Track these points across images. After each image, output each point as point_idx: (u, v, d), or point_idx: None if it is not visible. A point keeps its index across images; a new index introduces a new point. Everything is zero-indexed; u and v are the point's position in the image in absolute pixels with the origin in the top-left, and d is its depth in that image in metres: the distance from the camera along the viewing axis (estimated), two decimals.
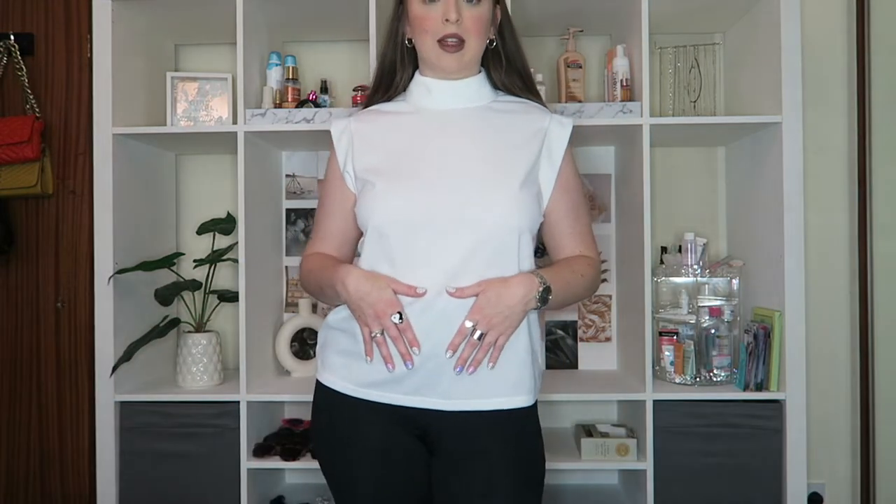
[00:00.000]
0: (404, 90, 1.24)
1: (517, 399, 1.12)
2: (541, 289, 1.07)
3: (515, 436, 1.12)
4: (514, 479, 1.10)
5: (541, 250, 1.61)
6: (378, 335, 1.06)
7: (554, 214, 1.20)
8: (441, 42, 1.13)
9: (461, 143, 1.16)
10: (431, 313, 1.07)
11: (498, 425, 1.11)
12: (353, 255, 1.28)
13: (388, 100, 1.25)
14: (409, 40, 1.20)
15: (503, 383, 1.10)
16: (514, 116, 1.21)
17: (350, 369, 1.14)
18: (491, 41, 1.21)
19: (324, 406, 1.19)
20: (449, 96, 1.19)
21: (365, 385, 1.13)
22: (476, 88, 1.21)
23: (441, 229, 1.08)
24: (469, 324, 1.05)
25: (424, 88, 1.20)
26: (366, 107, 1.27)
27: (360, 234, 1.21)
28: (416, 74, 1.22)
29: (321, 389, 1.20)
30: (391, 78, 1.23)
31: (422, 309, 1.07)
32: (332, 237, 1.23)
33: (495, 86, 1.25)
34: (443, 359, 1.07)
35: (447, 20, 1.11)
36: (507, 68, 1.24)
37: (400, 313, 1.04)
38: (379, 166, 1.16)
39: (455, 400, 1.10)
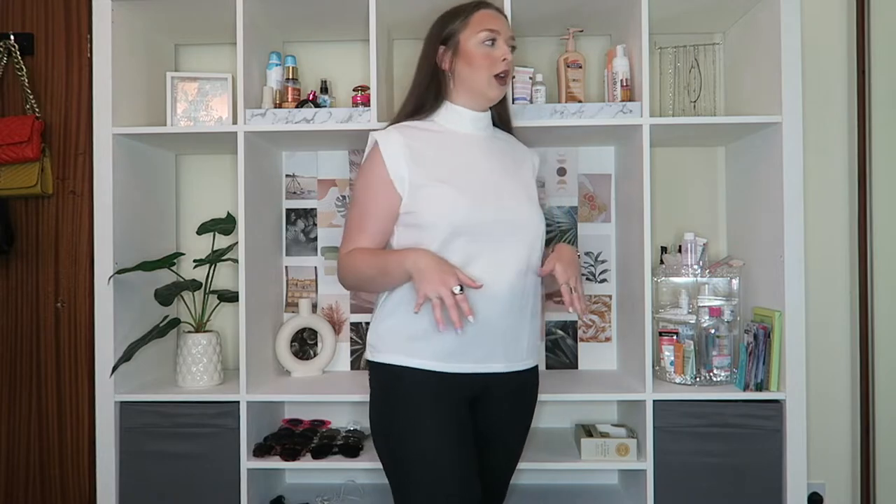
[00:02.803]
0: (433, 113, 1.44)
1: (535, 358, 1.46)
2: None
3: (535, 385, 1.49)
4: (529, 416, 1.49)
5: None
6: (435, 299, 1.23)
7: None
8: (496, 76, 1.38)
9: (492, 163, 1.41)
10: (498, 301, 1.33)
11: (529, 379, 1.46)
12: None
13: (418, 119, 1.44)
14: (447, 72, 1.41)
15: (532, 348, 1.43)
16: (510, 146, 1.50)
17: (422, 348, 1.33)
18: None
19: (393, 384, 1.35)
20: (474, 124, 1.44)
21: (442, 358, 1.33)
22: (489, 120, 1.47)
23: (501, 232, 1.34)
24: (569, 286, 1.34)
25: (458, 115, 1.42)
26: (395, 122, 1.45)
27: (389, 237, 1.41)
28: (448, 102, 1.43)
29: (387, 370, 1.36)
30: (424, 103, 1.43)
31: (491, 296, 1.33)
32: (375, 236, 1.38)
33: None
34: (499, 333, 1.35)
35: (504, 59, 1.38)
36: (503, 106, 1.52)
37: (461, 287, 1.22)
38: (437, 174, 1.34)
39: (510, 363, 1.38)
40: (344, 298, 2.16)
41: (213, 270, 1.97)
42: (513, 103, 1.79)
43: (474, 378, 1.36)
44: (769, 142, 1.79)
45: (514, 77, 1.79)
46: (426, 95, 1.43)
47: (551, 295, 2.14)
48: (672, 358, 1.84)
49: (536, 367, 1.48)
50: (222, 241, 2.11)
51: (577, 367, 2.13)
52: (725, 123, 1.78)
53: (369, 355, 1.41)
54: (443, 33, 1.42)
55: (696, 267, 1.87)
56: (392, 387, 1.35)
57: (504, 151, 1.46)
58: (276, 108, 1.87)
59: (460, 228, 1.31)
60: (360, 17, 1.92)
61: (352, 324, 2.16)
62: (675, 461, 1.74)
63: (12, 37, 2.04)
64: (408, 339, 1.35)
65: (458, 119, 1.42)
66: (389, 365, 1.36)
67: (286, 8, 1.88)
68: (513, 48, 1.43)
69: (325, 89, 1.98)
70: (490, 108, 1.47)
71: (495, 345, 1.36)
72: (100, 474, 1.79)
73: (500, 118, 1.52)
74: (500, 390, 1.40)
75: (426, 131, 1.41)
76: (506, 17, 1.45)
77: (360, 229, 1.38)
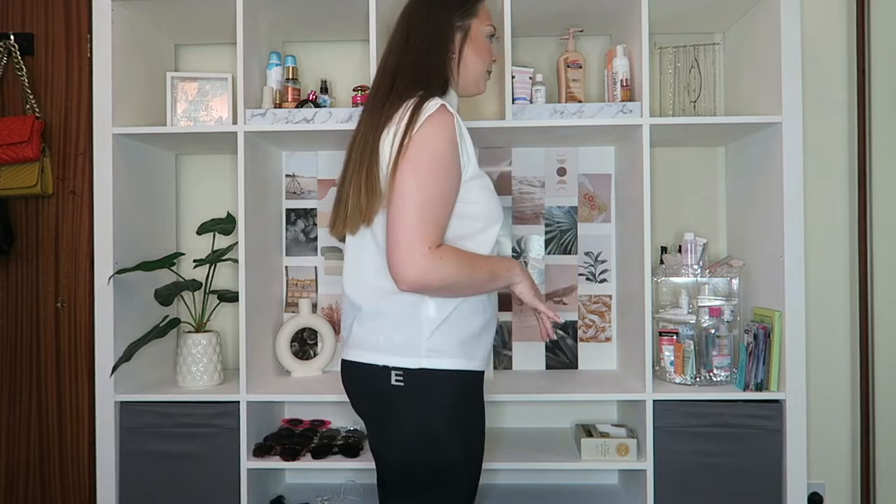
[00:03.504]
0: (444, 94, 1.29)
1: None
2: None
3: None
4: None
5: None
6: (540, 313, 1.34)
7: None
8: (488, 71, 1.39)
9: None
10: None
11: None
12: None
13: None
14: (454, 55, 1.33)
15: None
16: None
17: (477, 349, 1.29)
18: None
19: (471, 388, 1.28)
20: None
21: (485, 359, 1.32)
22: None
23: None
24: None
25: (455, 101, 1.37)
26: (430, 94, 1.24)
27: None
28: (453, 91, 1.35)
29: (449, 376, 1.23)
30: (443, 78, 1.30)
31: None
32: (445, 227, 1.21)
33: None
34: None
35: (495, 60, 1.41)
36: None
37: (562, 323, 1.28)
38: (477, 163, 1.27)
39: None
40: (343, 298, 2.15)
41: (213, 270, 1.97)
42: (513, 103, 1.79)
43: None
44: (769, 142, 1.79)
45: (513, 77, 1.79)
46: (444, 72, 1.30)
47: (551, 295, 2.14)
48: (672, 358, 1.84)
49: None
50: (222, 241, 2.11)
51: (577, 367, 2.13)
52: (725, 123, 1.78)
53: (427, 362, 1.22)
54: (454, 13, 1.31)
55: (696, 267, 1.87)
56: (466, 395, 1.25)
57: None
58: (276, 108, 1.87)
59: (497, 224, 1.28)
60: (360, 17, 1.92)
61: None
62: (675, 461, 1.74)
63: (12, 37, 2.04)
64: (468, 339, 1.25)
65: (455, 105, 1.36)
66: (461, 370, 1.24)
67: (286, 8, 1.88)
68: None
69: (325, 89, 1.98)
70: None
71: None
72: (100, 474, 1.79)
73: None
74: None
75: None
76: None
77: (442, 216, 1.18)
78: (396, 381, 1.22)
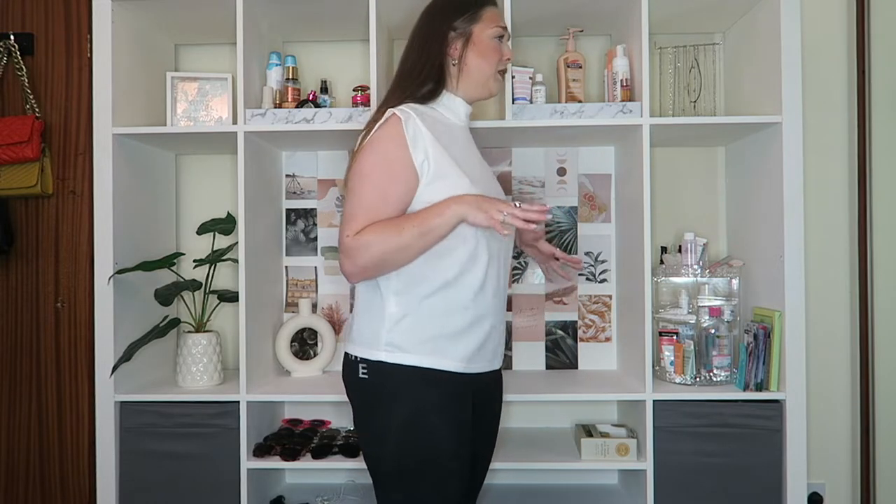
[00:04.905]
0: (432, 100, 1.39)
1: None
2: None
3: (502, 379, 1.53)
4: (499, 413, 1.53)
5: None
6: (506, 217, 1.20)
7: None
8: (500, 72, 1.43)
9: (478, 156, 1.44)
10: (503, 293, 1.39)
11: (499, 374, 1.49)
12: None
13: (419, 104, 1.36)
14: (455, 60, 1.39)
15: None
16: None
17: (451, 349, 1.29)
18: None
19: (441, 388, 1.28)
20: (465, 117, 1.44)
21: (467, 359, 1.31)
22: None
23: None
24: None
25: (455, 105, 1.41)
26: (393, 103, 1.34)
27: None
28: (448, 92, 1.40)
29: (428, 374, 1.27)
30: (428, 86, 1.37)
31: (494, 292, 1.34)
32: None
33: None
34: (502, 329, 1.40)
35: (508, 58, 1.43)
36: None
37: (519, 203, 1.22)
38: (453, 165, 1.29)
39: (498, 359, 1.42)
40: (344, 298, 2.16)
41: (213, 270, 1.97)
42: (513, 103, 1.79)
43: (479, 378, 1.36)
44: (769, 142, 1.79)
45: (513, 77, 1.80)
46: (430, 80, 1.37)
47: (551, 295, 2.14)
48: (672, 358, 1.84)
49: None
50: (222, 241, 2.11)
51: (577, 367, 2.13)
52: (725, 123, 1.78)
53: (386, 356, 1.27)
54: (452, 21, 1.38)
55: (696, 267, 1.87)
56: (425, 393, 1.27)
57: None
58: (276, 108, 1.87)
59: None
60: (360, 17, 1.92)
61: None
62: (675, 461, 1.74)
63: (12, 37, 2.04)
64: (438, 338, 1.27)
65: (456, 109, 1.41)
66: (422, 368, 1.27)
67: (286, 8, 1.88)
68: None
69: (325, 89, 1.98)
70: None
71: (498, 343, 1.39)
72: (100, 474, 1.79)
73: None
74: (489, 389, 1.43)
75: (433, 118, 1.35)
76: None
77: (379, 211, 1.24)
78: (363, 373, 1.30)
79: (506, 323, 1.45)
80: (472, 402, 1.35)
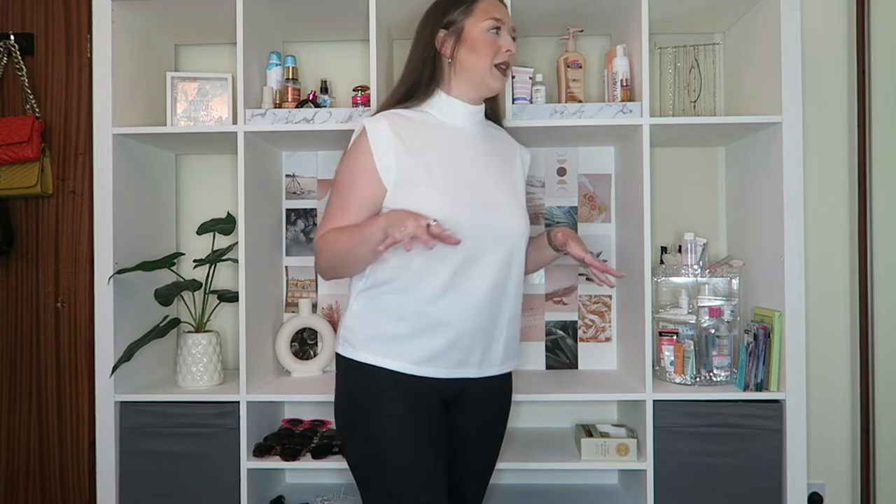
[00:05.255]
0: (424, 102, 1.39)
1: (512, 363, 1.44)
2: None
3: (508, 391, 1.48)
4: (503, 419, 1.49)
5: None
6: (405, 235, 1.16)
7: None
8: (498, 66, 1.35)
9: (480, 160, 1.37)
10: (475, 307, 1.31)
11: (502, 384, 1.45)
12: None
13: (408, 108, 1.38)
14: (449, 59, 1.37)
15: (509, 353, 1.41)
16: (502, 142, 1.47)
17: (397, 351, 1.31)
18: None
19: (366, 384, 1.32)
20: (468, 118, 1.40)
21: (416, 362, 1.30)
22: (482, 114, 1.44)
23: (481, 236, 1.30)
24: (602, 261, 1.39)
25: (450, 107, 1.38)
26: (384, 108, 1.39)
27: None
28: (441, 92, 1.38)
29: (361, 369, 1.32)
30: (417, 89, 1.38)
31: (465, 300, 1.30)
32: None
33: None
34: (476, 338, 1.33)
35: (508, 50, 1.36)
36: (496, 100, 1.49)
37: (435, 220, 1.16)
38: (419, 171, 1.29)
39: (484, 369, 1.37)
40: (344, 299, 2.16)
41: (213, 270, 1.97)
42: (513, 103, 1.78)
43: (447, 382, 1.34)
44: (769, 142, 1.79)
45: (513, 77, 1.79)
46: (420, 81, 1.38)
47: (551, 295, 2.14)
48: (672, 358, 1.84)
49: (510, 373, 1.46)
50: (222, 241, 2.11)
51: (577, 367, 2.13)
52: (725, 123, 1.78)
53: (341, 349, 1.36)
54: (444, 19, 1.37)
55: (696, 267, 1.87)
56: (365, 386, 1.32)
57: (494, 148, 1.42)
58: (276, 108, 1.87)
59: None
60: (360, 17, 1.92)
61: None
62: (675, 461, 1.74)
63: (12, 37, 2.04)
64: (386, 339, 1.31)
65: (451, 111, 1.38)
66: (364, 364, 1.32)
67: (286, 8, 1.88)
68: (514, 39, 1.40)
69: (325, 89, 1.98)
70: (484, 101, 1.44)
71: (472, 350, 1.33)
72: (100, 474, 1.79)
73: (493, 111, 1.49)
74: (472, 395, 1.39)
75: (416, 122, 1.35)
76: (506, 7, 1.44)
77: (340, 218, 1.31)
78: (335, 366, 1.40)
79: (507, 330, 1.38)
80: (451, 406, 1.38)
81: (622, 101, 1.81)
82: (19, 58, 2.03)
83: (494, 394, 1.44)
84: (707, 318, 1.84)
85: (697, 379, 1.82)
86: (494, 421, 1.46)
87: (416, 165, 1.29)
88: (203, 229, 2.00)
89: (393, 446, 1.27)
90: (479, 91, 1.38)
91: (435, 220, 1.16)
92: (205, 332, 1.92)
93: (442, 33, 1.37)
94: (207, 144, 1.99)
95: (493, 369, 1.38)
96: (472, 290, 1.30)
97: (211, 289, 1.99)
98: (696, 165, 2.13)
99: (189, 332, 1.92)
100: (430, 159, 1.31)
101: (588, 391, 1.80)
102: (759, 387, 1.74)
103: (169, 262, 1.87)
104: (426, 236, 1.14)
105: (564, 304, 2.13)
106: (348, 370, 1.35)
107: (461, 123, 1.39)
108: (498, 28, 1.36)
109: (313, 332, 2.14)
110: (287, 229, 2.16)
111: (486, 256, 1.32)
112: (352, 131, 1.80)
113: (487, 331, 1.34)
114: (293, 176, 2.17)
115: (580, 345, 2.13)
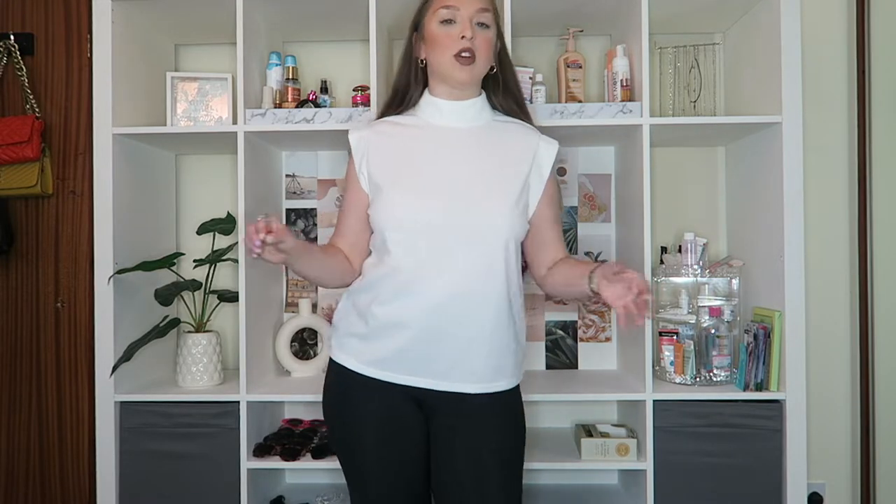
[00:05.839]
0: (414, 106, 1.39)
1: (502, 382, 1.31)
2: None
3: (501, 409, 1.32)
4: (499, 442, 1.29)
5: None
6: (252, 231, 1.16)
7: (539, 222, 1.38)
8: (457, 56, 1.28)
9: (464, 158, 1.32)
10: (438, 311, 1.25)
11: (487, 405, 1.30)
12: (367, 251, 1.39)
13: (400, 113, 1.40)
14: (423, 61, 1.36)
15: (496, 369, 1.29)
16: (509, 135, 1.38)
17: (360, 350, 1.31)
18: (492, 67, 1.37)
19: (336, 380, 1.35)
20: (455, 115, 1.35)
21: (370, 364, 1.29)
22: (478, 109, 1.37)
23: (446, 234, 1.25)
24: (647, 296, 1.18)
25: (434, 107, 1.35)
26: (379, 118, 1.42)
27: (372, 232, 1.36)
28: (427, 94, 1.37)
29: (334, 366, 1.36)
30: (404, 94, 1.39)
31: (433, 307, 1.24)
32: (346, 233, 1.39)
33: (493, 107, 1.41)
34: (442, 346, 1.26)
35: (463, 37, 1.28)
36: (503, 91, 1.40)
37: (266, 215, 1.18)
38: (390, 174, 1.31)
39: (455, 382, 1.28)
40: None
41: (213, 270, 1.97)
42: None
43: (415, 391, 1.29)
44: (769, 142, 1.79)
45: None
46: (403, 87, 1.39)
47: (551, 296, 2.13)
48: (672, 358, 1.83)
49: (503, 392, 1.30)
50: (222, 241, 2.10)
51: (577, 367, 2.13)
52: (725, 123, 1.78)
53: (327, 347, 1.43)
54: (416, 21, 1.37)
55: (696, 267, 1.87)
56: (337, 384, 1.35)
57: (493, 144, 1.34)
58: (276, 108, 1.87)
59: (400, 231, 1.26)
60: (360, 17, 1.92)
61: None
62: (675, 461, 1.74)
63: (12, 37, 2.04)
64: (350, 337, 1.33)
65: (436, 111, 1.35)
66: (334, 361, 1.36)
67: (286, 8, 1.88)
68: (484, 25, 1.30)
69: (325, 89, 1.98)
70: (491, 94, 1.39)
71: (435, 358, 1.26)
72: (100, 474, 1.79)
73: (503, 106, 1.40)
74: (449, 413, 1.29)
75: (398, 126, 1.36)
76: None
77: (338, 224, 1.41)
78: None
79: (492, 342, 1.27)
80: (433, 422, 1.31)
81: (622, 101, 1.81)
82: (19, 58, 2.03)
83: (477, 415, 1.28)
84: (707, 318, 1.84)
85: (697, 379, 1.82)
86: (479, 447, 1.27)
87: (383, 170, 1.32)
88: (203, 229, 2.00)
89: (352, 443, 1.31)
90: (451, 84, 1.32)
91: (265, 215, 1.17)
92: (205, 332, 1.92)
93: (414, 36, 1.38)
94: (207, 144, 1.99)
95: (469, 386, 1.27)
96: (430, 292, 1.24)
97: (211, 289, 1.99)
98: (696, 165, 2.13)
99: (189, 332, 1.92)
100: (402, 162, 1.31)
101: (588, 391, 1.80)
102: (759, 387, 1.74)
103: (169, 262, 1.87)
104: (251, 239, 1.13)
105: (564, 303, 2.13)
106: (329, 368, 1.39)
107: (450, 122, 1.35)
108: (450, 19, 1.29)
109: (313, 332, 2.14)
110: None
111: (455, 257, 1.24)
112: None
113: (456, 340, 1.25)
114: (293, 176, 2.17)
115: (580, 345, 2.13)
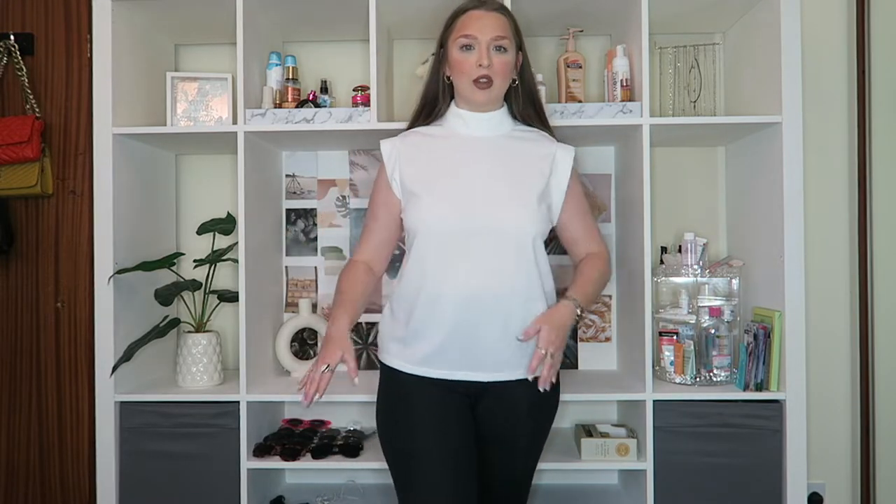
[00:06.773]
0: (442, 117, 1.49)
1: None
2: (578, 311, 1.38)
3: (532, 400, 1.41)
4: (532, 426, 1.44)
5: (548, 245, 1.62)
6: (314, 373, 1.30)
7: (566, 219, 1.49)
8: (475, 81, 1.38)
9: (488, 164, 1.41)
10: (469, 309, 1.33)
11: (523, 391, 1.40)
12: (391, 254, 1.51)
13: (428, 124, 1.50)
14: (448, 77, 1.46)
15: (526, 358, 1.37)
16: (528, 144, 1.47)
17: (403, 352, 1.40)
18: (513, 81, 1.46)
19: (387, 382, 1.43)
20: (479, 125, 1.45)
21: (415, 363, 1.38)
22: (499, 120, 1.46)
23: (474, 234, 1.35)
24: (543, 351, 1.29)
25: (460, 118, 1.45)
26: (409, 128, 1.51)
27: (399, 236, 1.49)
28: (453, 105, 1.47)
29: (384, 369, 1.44)
30: (433, 106, 1.49)
31: (466, 305, 1.33)
32: (375, 237, 1.48)
33: (514, 117, 1.51)
34: (473, 340, 1.34)
35: (480, 65, 1.37)
36: (524, 103, 1.50)
37: (328, 366, 1.30)
38: (423, 181, 1.40)
39: (491, 373, 1.38)
40: None
41: (213, 270, 1.97)
42: None
43: (457, 384, 1.38)
44: (769, 142, 1.79)
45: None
46: (432, 100, 1.49)
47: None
48: (672, 358, 1.83)
49: (535, 379, 1.35)
50: (222, 241, 2.10)
51: (577, 367, 2.13)
52: (725, 123, 1.78)
53: (378, 352, 1.48)
54: (441, 41, 1.46)
55: (696, 267, 1.87)
56: (388, 385, 1.42)
57: (514, 151, 1.44)
58: (276, 108, 1.87)
59: (431, 234, 1.36)
60: (360, 17, 1.92)
61: None
62: (675, 461, 1.74)
63: (12, 37, 2.04)
64: (391, 341, 1.42)
65: (461, 122, 1.45)
66: (385, 364, 1.43)
67: (286, 8, 1.88)
68: (501, 49, 1.38)
69: (325, 89, 1.98)
70: (513, 105, 1.48)
71: (470, 353, 1.35)
72: (100, 474, 1.79)
73: (522, 115, 1.50)
74: (490, 399, 1.40)
75: (428, 136, 1.46)
76: (502, 12, 1.41)
77: (366, 231, 1.49)
78: None
79: (497, 329, 1.34)
80: (477, 408, 1.41)
81: (622, 101, 1.81)
82: (19, 58, 2.03)
83: (516, 401, 1.40)
84: (707, 318, 1.84)
85: (697, 379, 1.82)
86: (518, 430, 1.42)
87: (416, 177, 1.41)
88: (203, 229, 2.00)
89: (414, 442, 1.35)
90: (470, 104, 1.43)
91: (328, 367, 1.29)
92: (205, 332, 1.92)
93: (441, 53, 1.46)
94: (207, 144, 2.00)
95: (502, 374, 1.38)
96: (462, 291, 1.33)
97: (211, 289, 1.99)
98: (695, 165, 2.13)
99: (189, 332, 1.92)
100: (433, 170, 1.41)
101: (588, 391, 1.80)
102: (759, 387, 1.74)
103: (169, 262, 1.87)
104: (311, 384, 1.29)
105: None
106: (381, 372, 1.46)
107: (475, 132, 1.44)
108: (469, 45, 1.38)
109: (313, 332, 2.14)
110: (287, 229, 2.16)
111: (483, 255, 1.35)
112: (352, 131, 1.81)
113: (489, 334, 1.34)
114: (293, 176, 2.17)
115: (580, 345, 2.13)
